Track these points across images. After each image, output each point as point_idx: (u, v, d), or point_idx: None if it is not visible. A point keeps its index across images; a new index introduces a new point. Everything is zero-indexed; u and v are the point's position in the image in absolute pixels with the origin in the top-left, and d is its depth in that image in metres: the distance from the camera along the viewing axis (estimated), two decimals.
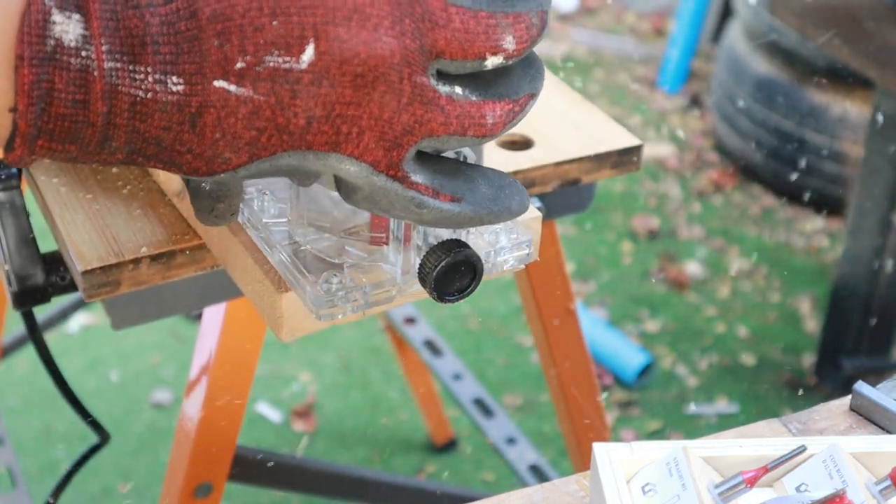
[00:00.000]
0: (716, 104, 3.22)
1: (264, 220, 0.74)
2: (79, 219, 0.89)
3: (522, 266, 0.77)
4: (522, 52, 0.60)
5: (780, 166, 2.97)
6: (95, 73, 0.54)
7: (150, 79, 0.55)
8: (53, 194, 0.92)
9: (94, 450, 1.14)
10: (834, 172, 2.85)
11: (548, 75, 1.16)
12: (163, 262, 0.87)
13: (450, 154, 0.65)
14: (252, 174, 0.60)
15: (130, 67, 0.55)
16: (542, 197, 1.06)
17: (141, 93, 0.55)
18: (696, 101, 3.50)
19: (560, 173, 1.02)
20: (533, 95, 0.62)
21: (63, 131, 0.55)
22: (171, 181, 0.89)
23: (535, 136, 1.04)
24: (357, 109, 0.58)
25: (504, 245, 0.72)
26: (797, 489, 0.64)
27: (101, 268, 0.85)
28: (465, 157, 0.66)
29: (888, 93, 2.01)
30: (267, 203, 0.75)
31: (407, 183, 0.60)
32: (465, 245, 0.66)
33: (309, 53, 0.56)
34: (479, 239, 0.71)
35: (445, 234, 0.69)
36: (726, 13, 3.57)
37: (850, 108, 2.80)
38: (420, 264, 0.66)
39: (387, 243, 0.70)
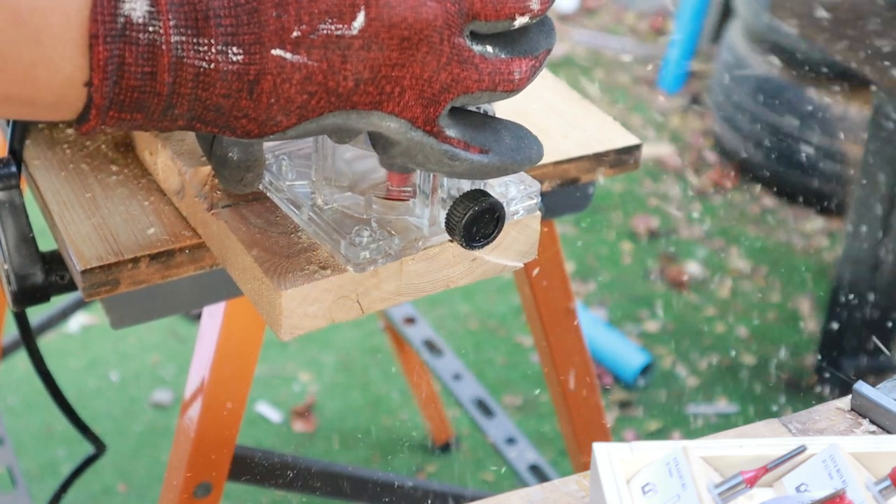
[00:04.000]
0: (716, 104, 3.22)
1: (287, 184, 0.77)
2: (78, 218, 0.89)
3: (520, 264, 0.78)
4: (545, 11, 0.65)
5: (780, 166, 2.97)
6: (163, 47, 0.58)
7: (212, 50, 0.59)
8: (53, 193, 0.92)
9: (89, 461, 1.14)
10: (834, 172, 2.85)
11: (547, 75, 1.16)
12: (162, 262, 0.86)
13: (474, 109, 0.68)
14: (299, 134, 0.63)
15: (195, 40, 0.58)
16: (541, 196, 1.06)
17: (204, 63, 0.59)
18: (696, 101, 3.50)
19: (559, 172, 1.02)
20: (549, 51, 0.67)
21: (132, 102, 0.59)
22: (170, 180, 0.89)
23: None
24: (401, 70, 0.61)
25: (514, 195, 0.76)
26: (797, 489, 0.64)
27: (100, 267, 0.85)
28: (485, 112, 0.69)
29: (888, 93, 2.01)
30: (286, 167, 0.78)
31: (441, 137, 0.64)
32: (487, 194, 0.70)
33: (360, 20, 0.60)
34: (491, 191, 0.75)
35: (466, 186, 0.73)
36: (726, 13, 3.57)
37: (850, 108, 2.80)
38: (448, 215, 0.70)
39: (412, 197, 0.74)
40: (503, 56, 0.64)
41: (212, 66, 0.59)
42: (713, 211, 3.02)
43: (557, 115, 1.08)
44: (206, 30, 0.58)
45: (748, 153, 3.06)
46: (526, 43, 0.65)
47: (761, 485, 0.65)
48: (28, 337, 1.00)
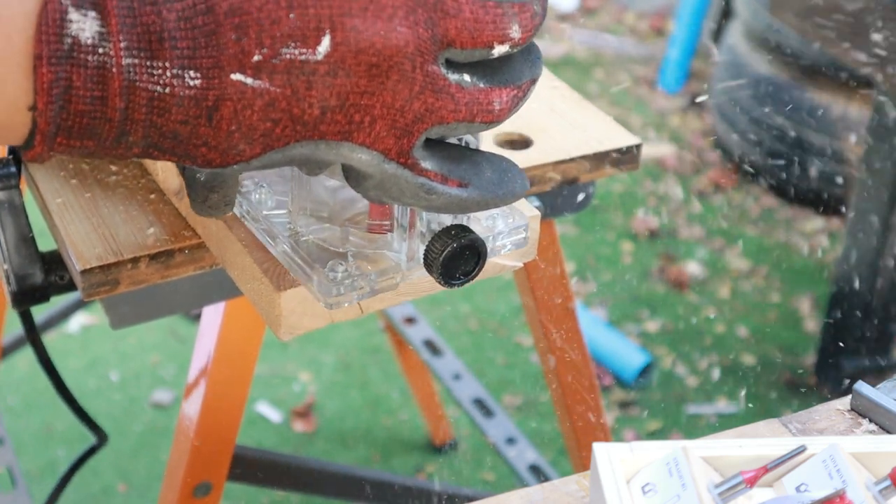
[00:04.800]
0: (716, 104, 3.22)
1: (264, 213, 0.75)
2: (78, 218, 0.89)
3: (520, 264, 0.77)
4: (527, 40, 0.62)
5: (780, 166, 2.97)
6: (113, 70, 0.55)
7: (167, 74, 0.56)
8: (52, 194, 0.92)
9: (91, 451, 1.14)
10: (834, 172, 2.85)
11: (547, 75, 1.16)
12: (161, 262, 0.86)
13: (453, 140, 0.66)
14: (265, 164, 0.60)
15: (148, 63, 0.56)
16: (541, 196, 1.06)
17: (159, 88, 0.56)
18: (696, 101, 3.50)
19: (558, 172, 1.02)
20: (534, 81, 0.64)
21: (81, 128, 0.56)
22: (169, 180, 0.89)
23: (533, 135, 1.04)
24: (370, 99, 0.58)
25: (502, 230, 0.73)
26: (797, 489, 0.64)
27: (99, 267, 0.84)
28: (467, 143, 0.67)
29: (888, 93, 2.01)
30: (265, 195, 0.75)
31: (417, 170, 0.61)
32: (468, 230, 0.67)
33: (325, 45, 0.57)
34: (477, 225, 0.72)
35: (447, 220, 0.70)
36: (726, 13, 3.57)
37: (850, 108, 2.80)
38: (426, 250, 0.67)
39: (390, 231, 0.71)
40: (482, 85, 0.61)
41: (167, 90, 0.56)
42: (713, 211, 3.02)
43: (557, 115, 1.08)
44: (161, 52, 0.55)
45: (748, 153, 3.06)
46: (508, 72, 0.62)
47: (761, 485, 0.65)
48: (32, 331, 1.00)
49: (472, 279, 0.69)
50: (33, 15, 0.54)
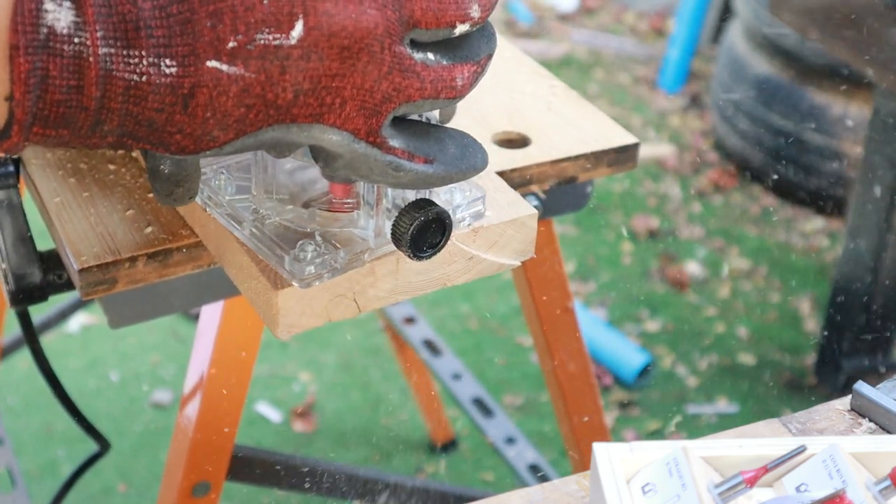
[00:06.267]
0: (716, 104, 3.22)
1: (227, 198, 0.75)
2: (76, 217, 0.89)
3: (518, 263, 0.78)
4: (485, 18, 0.64)
5: (780, 166, 2.96)
6: (90, 59, 0.55)
7: (143, 62, 0.56)
8: (50, 193, 0.91)
9: (93, 459, 1.14)
10: (834, 172, 2.85)
11: (546, 74, 1.16)
12: (159, 260, 0.86)
13: (415, 117, 0.67)
14: (236, 149, 0.61)
15: (125, 52, 0.56)
16: (539, 195, 1.06)
17: (135, 77, 0.56)
18: (696, 101, 3.50)
19: (557, 171, 1.02)
20: (490, 56, 0.66)
21: (57, 117, 0.56)
22: None
23: (532, 134, 1.04)
24: (341, 81, 0.60)
25: (460, 202, 0.75)
26: (797, 489, 0.64)
27: (97, 266, 0.84)
28: (428, 119, 0.69)
29: (888, 93, 2.00)
30: (224, 181, 0.76)
31: (385, 148, 0.63)
32: (433, 203, 0.69)
33: (298, 29, 0.58)
34: (436, 199, 0.74)
35: (411, 195, 0.72)
36: (726, 13, 3.57)
37: (850, 108, 2.80)
38: (393, 226, 0.69)
39: (355, 209, 0.73)
40: (445, 63, 0.63)
41: (143, 78, 0.56)
42: (713, 211, 3.01)
43: (556, 115, 1.08)
44: (137, 41, 0.56)
45: (748, 153, 3.06)
46: (467, 49, 0.64)
47: (761, 485, 0.65)
48: (31, 337, 1.00)
49: (439, 250, 0.70)
50: (8, 5, 0.54)
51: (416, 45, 0.62)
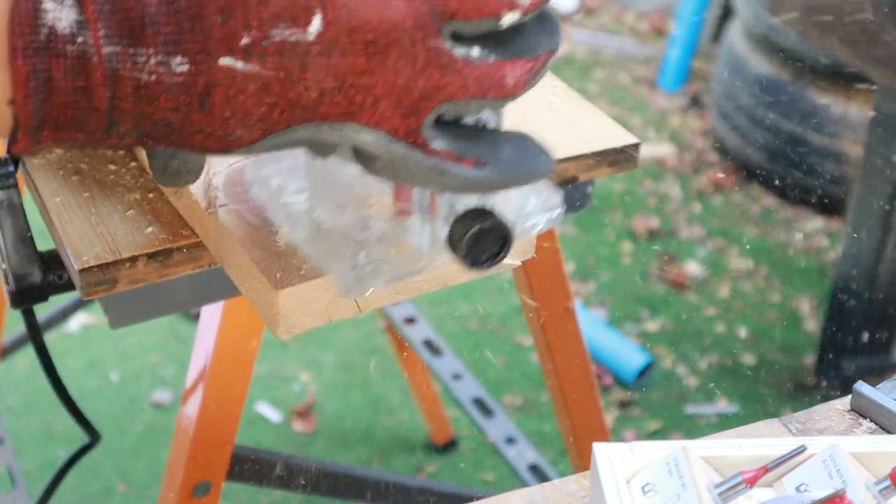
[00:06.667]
0: (716, 104, 3.22)
1: (282, 200, 0.73)
2: (76, 217, 0.89)
3: (518, 262, 0.77)
4: (538, 6, 0.59)
5: (780, 166, 2.96)
6: (94, 59, 0.53)
7: (152, 61, 0.54)
8: (51, 193, 0.91)
9: (84, 450, 1.13)
10: (834, 172, 2.85)
11: (546, 74, 1.16)
12: (160, 260, 0.86)
13: (469, 121, 0.63)
14: (266, 148, 0.59)
15: (131, 51, 0.54)
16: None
17: (144, 76, 0.54)
18: (696, 101, 3.50)
19: (557, 171, 1.02)
20: (552, 52, 0.61)
21: (67, 119, 0.55)
22: None
23: (532, 133, 1.04)
24: (370, 78, 0.56)
25: (533, 208, 0.71)
26: (797, 489, 0.64)
27: (98, 266, 0.84)
28: (484, 125, 0.64)
29: (888, 93, 2.00)
30: (285, 180, 0.74)
31: (427, 150, 0.59)
32: (489, 212, 0.65)
33: (316, 24, 0.55)
34: (508, 203, 0.69)
35: (473, 201, 0.67)
36: (726, 13, 3.57)
37: (850, 108, 2.80)
38: (448, 233, 0.65)
39: (413, 214, 0.69)
40: (492, 59, 0.58)
41: (153, 77, 0.54)
42: (713, 211, 3.01)
43: (556, 114, 1.08)
44: (143, 39, 0.54)
45: (748, 153, 3.06)
46: (521, 43, 0.59)
47: (761, 485, 0.65)
48: (34, 329, 1.00)
49: (499, 262, 0.66)
50: (6, 5, 0.53)
51: (459, 38, 0.57)
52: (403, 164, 0.59)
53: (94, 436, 1.10)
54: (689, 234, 2.91)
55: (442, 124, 0.60)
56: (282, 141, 0.58)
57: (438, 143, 0.59)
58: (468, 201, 0.67)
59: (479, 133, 0.61)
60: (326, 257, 0.69)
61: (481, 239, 0.64)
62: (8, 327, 1.94)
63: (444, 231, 0.68)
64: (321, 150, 0.61)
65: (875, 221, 2.15)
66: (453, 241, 0.65)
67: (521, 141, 0.63)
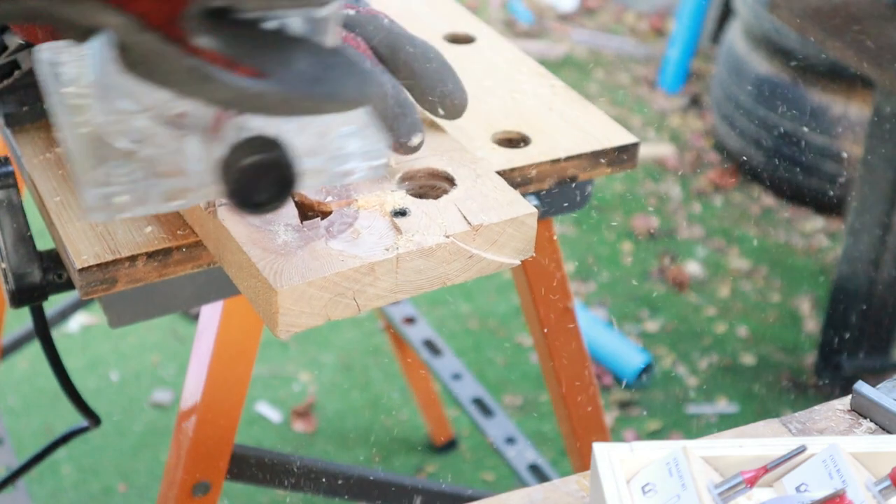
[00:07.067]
0: (716, 104, 3.22)
1: (63, 90, 0.61)
2: (75, 216, 0.89)
3: (517, 262, 0.77)
4: None
5: (780, 166, 2.96)
6: None
7: None
8: (50, 192, 0.91)
9: (82, 429, 1.13)
10: (834, 172, 2.85)
11: (546, 74, 1.16)
12: (159, 260, 0.86)
13: (270, 26, 0.51)
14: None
15: None
16: (539, 195, 1.06)
17: None
18: (696, 101, 3.50)
19: (557, 171, 1.02)
20: None
21: None
22: None
23: (532, 133, 1.04)
24: None
25: (352, 151, 0.59)
26: (797, 489, 0.64)
27: (97, 265, 0.84)
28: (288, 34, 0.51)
29: (888, 93, 2.00)
30: (76, 70, 0.62)
31: (187, 46, 0.48)
32: (277, 145, 0.53)
33: None
34: (322, 140, 0.58)
35: (273, 130, 0.55)
36: (726, 13, 3.57)
37: (850, 108, 2.80)
38: (222, 161, 0.54)
39: (193, 132, 0.57)
40: None
41: None
42: (713, 211, 3.01)
43: (556, 114, 1.08)
44: None
45: (748, 153, 3.06)
46: None
47: (761, 485, 0.65)
48: (41, 322, 1.00)
49: (275, 208, 0.55)
50: None
51: None
52: (159, 61, 0.48)
53: (94, 420, 1.10)
54: (689, 234, 2.91)
55: (221, 20, 0.49)
56: (13, 8, 0.48)
57: (204, 40, 0.48)
58: (263, 128, 0.54)
59: (272, 39, 0.49)
60: (82, 162, 0.56)
61: (255, 174, 0.53)
62: (8, 327, 1.94)
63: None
64: (70, 31, 0.50)
65: (875, 221, 2.15)
66: (224, 172, 0.54)
67: (330, 56, 0.50)
